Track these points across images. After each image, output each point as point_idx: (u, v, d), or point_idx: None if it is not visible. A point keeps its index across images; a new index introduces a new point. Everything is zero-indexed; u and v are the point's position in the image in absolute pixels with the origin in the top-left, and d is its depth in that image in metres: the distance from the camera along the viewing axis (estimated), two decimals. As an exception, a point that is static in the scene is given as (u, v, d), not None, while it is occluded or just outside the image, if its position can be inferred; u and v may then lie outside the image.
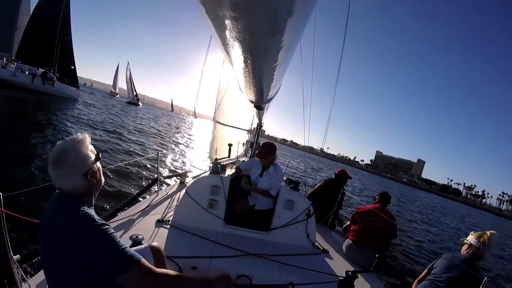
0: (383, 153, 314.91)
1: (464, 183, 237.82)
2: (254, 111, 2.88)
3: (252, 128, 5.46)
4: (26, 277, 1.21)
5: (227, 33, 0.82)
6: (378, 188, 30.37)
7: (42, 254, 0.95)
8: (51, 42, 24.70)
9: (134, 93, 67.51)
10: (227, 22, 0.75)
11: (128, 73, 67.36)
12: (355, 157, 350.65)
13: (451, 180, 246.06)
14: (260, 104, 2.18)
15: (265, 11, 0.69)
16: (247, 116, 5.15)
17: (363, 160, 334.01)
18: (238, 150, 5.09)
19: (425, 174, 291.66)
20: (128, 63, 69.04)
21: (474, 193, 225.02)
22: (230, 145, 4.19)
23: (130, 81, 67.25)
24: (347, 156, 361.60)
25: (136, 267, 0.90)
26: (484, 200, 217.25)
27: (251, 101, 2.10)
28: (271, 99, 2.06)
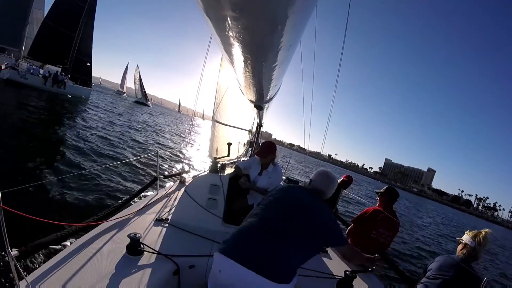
0: (392, 161, 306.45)
1: (476, 195, 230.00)
2: (254, 111, 2.88)
3: (253, 128, 5.46)
4: (24, 273, 1.21)
5: (227, 33, 0.82)
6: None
7: (287, 220, 1.36)
8: (69, 36, 22.90)
9: (144, 94, 68.36)
10: (227, 22, 0.75)
11: (138, 75, 68.24)
12: (363, 164, 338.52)
13: (462, 191, 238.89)
14: (260, 104, 2.18)
15: (265, 11, 0.69)
16: (248, 116, 5.14)
17: (371, 168, 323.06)
18: (238, 150, 5.09)
19: (435, 184, 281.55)
20: (137, 65, 70.12)
21: (485, 205, 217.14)
22: (229, 144, 4.18)
23: (139, 83, 68.10)
24: (355, 163, 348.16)
25: (344, 244, 1.48)
26: (496, 213, 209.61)
27: (251, 101, 2.10)
28: (271, 99, 2.06)
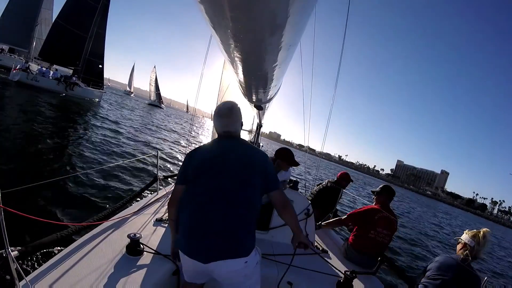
0: (404, 163, 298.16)
1: (492, 198, 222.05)
2: (254, 111, 2.87)
3: (253, 128, 5.46)
4: (24, 274, 1.21)
5: (227, 33, 0.82)
6: (399, 203, 25.18)
7: (223, 174, 1.23)
8: (81, 37, 22.14)
9: (158, 96, 67.03)
10: (227, 22, 0.75)
11: (154, 77, 66.89)
12: (374, 166, 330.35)
13: (477, 194, 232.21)
14: (260, 104, 2.18)
15: (265, 11, 0.69)
16: (248, 116, 5.15)
17: (383, 170, 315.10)
18: None
19: (448, 186, 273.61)
20: (154, 66, 68.80)
21: (501, 209, 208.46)
22: None
23: (155, 84, 66.65)
24: (366, 165, 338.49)
25: (280, 188, 1.32)
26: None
27: (251, 101, 2.10)
28: (271, 99, 2.06)
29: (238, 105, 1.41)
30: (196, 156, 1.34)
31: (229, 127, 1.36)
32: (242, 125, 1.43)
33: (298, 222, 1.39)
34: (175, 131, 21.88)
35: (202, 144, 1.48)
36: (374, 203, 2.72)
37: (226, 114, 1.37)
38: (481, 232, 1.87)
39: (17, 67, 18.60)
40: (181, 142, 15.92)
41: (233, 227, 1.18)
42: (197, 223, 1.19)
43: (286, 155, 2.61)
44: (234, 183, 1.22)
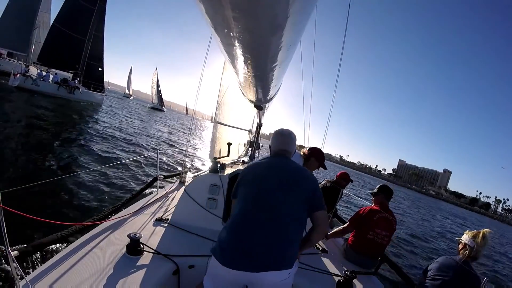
0: (406, 162, 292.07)
1: (496, 197, 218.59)
2: (254, 111, 2.87)
3: (253, 129, 5.46)
4: (24, 274, 1.21)
5: (227, 33, 0.82)
6: (398, 201, 24.56)
7: (271, 188, 1.30)
8: (80, 41, 22.24)
9: (160, 98, 65.66)
10: (227, 22, 0.75)
11: (156, 79, 65.17)
12: (376, 166, 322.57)
13: (480, 193, 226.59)
14: (260, 104, 2.18)
15: (265, 11, 0.69)
16: (248, 116, 5.14)
17: (385, 169, 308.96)
18: (238, 150, 5.09)
19: (451, 186, 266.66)
20: (156, 69, 66.92)
21: (505, 207, 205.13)
22: (229, 144, 4.19)
23: (156, 87, 65.11)
24: (367, 165, 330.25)
25: (325, 210, 1.35)
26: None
27: (251, 101, 2.10)
28: (271, 99, 2.06)
29: (294, 134, 1.61)
30: (249, 171, 1.43)
31: (287, 145, 1.52)
32: (295, 151, 1.56)
33: (310, 246, 1.46)
34: (175, 132, 21.86)
35: (256, 160, 1.59)
36: (373, 204, 2.72)
37: (287, 134, 1.54)
38: (481, 233, 1.87)
39: (17, 73, 18.44)
40: (181, 142, 15.92)
41: (281, 241, 1.21)
42: (244, 235, 1.21)
43: (321, 156, 2.69)
44: (283, 198, 1.27)
